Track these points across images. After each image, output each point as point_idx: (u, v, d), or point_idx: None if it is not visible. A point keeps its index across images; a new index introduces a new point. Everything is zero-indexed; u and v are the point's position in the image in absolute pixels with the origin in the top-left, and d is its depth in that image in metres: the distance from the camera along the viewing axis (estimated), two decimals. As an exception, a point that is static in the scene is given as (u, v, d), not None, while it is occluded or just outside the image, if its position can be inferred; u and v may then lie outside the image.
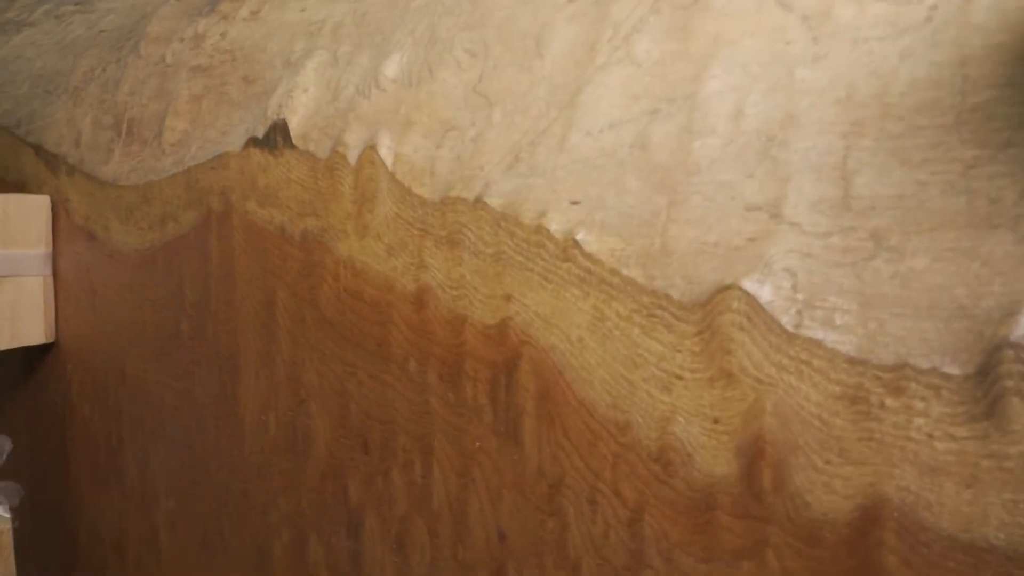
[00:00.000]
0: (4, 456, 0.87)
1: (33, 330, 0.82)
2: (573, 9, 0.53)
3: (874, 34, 0.44)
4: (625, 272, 0.44)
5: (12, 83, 0.92)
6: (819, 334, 0.39)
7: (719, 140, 0.45)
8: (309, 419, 0.61)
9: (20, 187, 0.87)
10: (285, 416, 0.62)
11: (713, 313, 0.41)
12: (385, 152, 0.54)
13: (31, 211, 0.81)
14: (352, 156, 0.56)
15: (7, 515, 0.80)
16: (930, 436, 0.36)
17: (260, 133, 0.62)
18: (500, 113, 0.52)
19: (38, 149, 0.84)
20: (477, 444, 0.51)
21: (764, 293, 0.40)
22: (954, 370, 0.36)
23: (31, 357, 0.88)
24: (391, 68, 0.58)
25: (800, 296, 0.40)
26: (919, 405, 0.36)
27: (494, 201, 0.49)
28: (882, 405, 0.37)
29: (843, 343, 0.38)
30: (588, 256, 0.45)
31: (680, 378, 0.43)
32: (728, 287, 0.41)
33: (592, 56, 0.51)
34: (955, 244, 0.37)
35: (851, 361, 0.38)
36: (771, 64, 0.46)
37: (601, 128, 0.48)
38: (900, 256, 0.38)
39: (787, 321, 0.40)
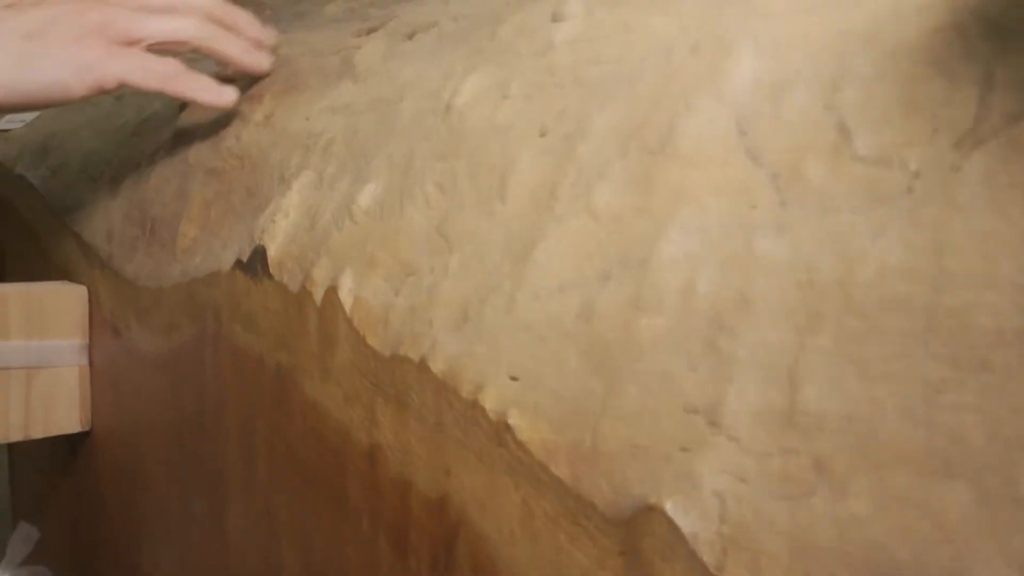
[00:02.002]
0: (31, 545, 0.89)
1: (68, 419, 0.84)
2: (543, 144, 0.49)
3: (846, 203, 0.38)
4: (553, 469, 0.40)
5: (66, 165, 0.95)
6: (744, 581, 0.33)
7: (665, 320, 0.40)
8: (281, 557, 0.58)
9: (65, 272, 0.89)
10: (261, 549, 0.60)
11: (635, 534, 0.36)
12: (345, 295, 0.52)
13: (68, 301, 0.83)
14: (318, 295, 0.54)
15: (34, 603, 0.82)
16: None
17: (245, 256, 0.61)
18: (458, 260, 0.49)
19: (78, 238, 0.86)
20: (420, 623, 0.47)
21: (688, 522, 0.35)
22: (887, 656, 0.30)
23: (73, 444, 0.90)
24: (365, 198, 0.55)
25: (727, 530, 0.34)
26: None
27: (437, 367, 0.45)
28: None
29: (769, 597, 0.33)
30: (519, 444, 0.41)
31: (605, 600, 0.38)
32: (651, 507, 0.36)
33: (552, 203, 0.47)
34: (905, 492, 0.31)
35: (776, 621, 0.32)
36: (732, 230, 0.40)
37: (550, 291, 0.44)
38: (842, 496, 0.32)
39: (710, 560, 0.34)
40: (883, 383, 0.33)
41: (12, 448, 1.18)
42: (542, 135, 0.50)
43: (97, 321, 0.83)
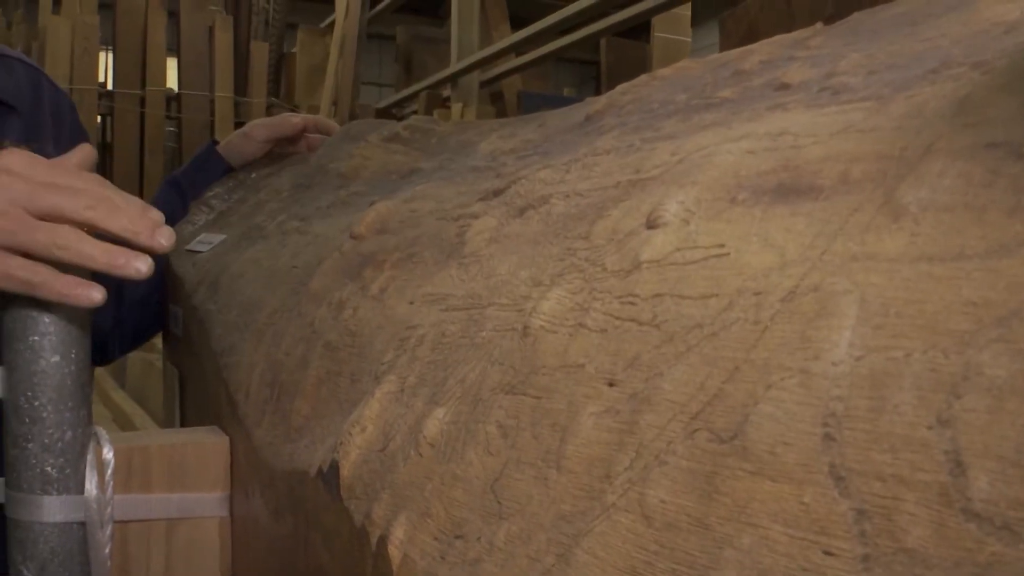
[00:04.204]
0: None
1: (208, 569, 0.84)
2: (609, 399, 0.42)
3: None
4: None
5: (228, 306, 0.97)
6: None
7: None
8: None
9: (217, 416, 0.91)
10: None
11: None
12: (395, 549, 0.46)
13: (209, 454, 0.83)
14: (374, 537, 0.49)
15: None
16: None
17: (325, 467, 0.57)
18: (505, 534, 0.42)
19: (226, 386, 0.86)
20: None
21: None
22: None
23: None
24: (432, 427, 0.50)
25: None
26: None
27: (462, 677, 0.39)
28: None
29: None
30: None
31: None
32: None
33: (605, 486, 0.39)
34: None
35: None
36: (801, 584, 0.31)
37: (588, 611, 0.36)
38: None
39: None
40: None
41: None
42: (610, 385, 0.42)
43: (236, 474, 0.83)
